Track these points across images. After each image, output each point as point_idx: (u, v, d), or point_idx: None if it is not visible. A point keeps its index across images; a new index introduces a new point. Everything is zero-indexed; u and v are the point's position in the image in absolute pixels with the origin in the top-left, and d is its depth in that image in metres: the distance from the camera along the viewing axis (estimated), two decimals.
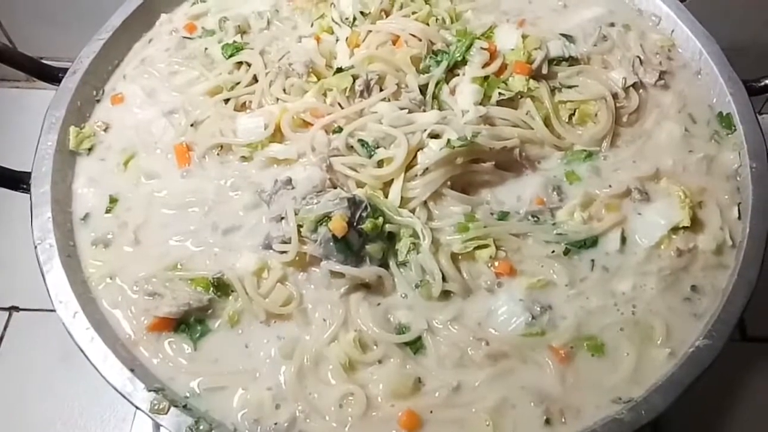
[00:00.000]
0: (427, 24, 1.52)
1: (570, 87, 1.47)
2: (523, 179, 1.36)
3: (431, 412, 1.12)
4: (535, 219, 1.31)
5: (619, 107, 1.45)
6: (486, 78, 1.42)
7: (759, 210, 1.30)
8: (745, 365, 1.79)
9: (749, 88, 1.45)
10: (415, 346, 1.18)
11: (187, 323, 1.20)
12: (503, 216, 1.31)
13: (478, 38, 1.48)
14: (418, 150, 1.30)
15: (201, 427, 1.08)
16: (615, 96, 1.45)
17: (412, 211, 1.28)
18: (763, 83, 1.48)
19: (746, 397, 1.76)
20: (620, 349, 1.18)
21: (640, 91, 1.49)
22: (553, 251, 1.26)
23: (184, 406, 1.11)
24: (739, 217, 1.33)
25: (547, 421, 1.11)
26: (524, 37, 1.49)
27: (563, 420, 1.11)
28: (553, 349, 1.17)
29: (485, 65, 1.44)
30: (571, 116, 1.44)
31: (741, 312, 1.20)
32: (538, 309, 1.21)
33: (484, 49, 1.45)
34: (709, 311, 1.22)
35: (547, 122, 1.41)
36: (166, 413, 1.09)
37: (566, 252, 1.27)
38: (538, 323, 1.19)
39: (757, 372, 1.79)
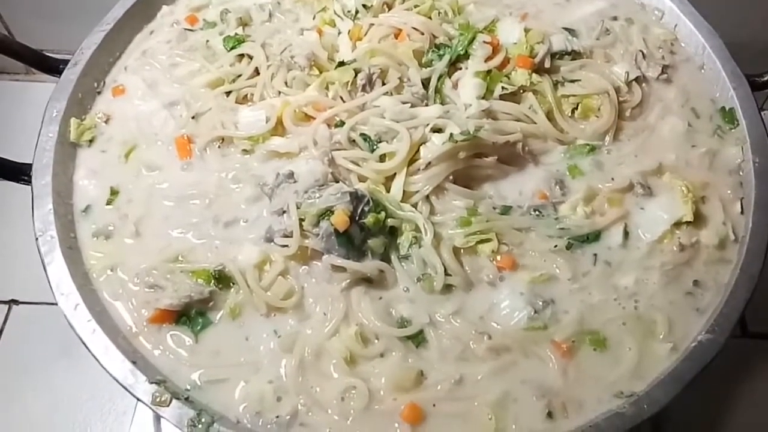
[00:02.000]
0: (430, 17, 1.51)
1: (573, 81, 1.46)
2: (525, 173, 1.36)
3: (434, 405, 1.12)
4: (538, 213, 1.30)
5: (622, 101, 1.44)
6: (488, 72, 1.42)
7: (762, 205, 1.30)
8: (745, 361, 1.79)
9: (752, 83, 1.45)
10: (417, 339, 1.17)
11: (188, 315, 1.20)
12: (506, 210, 1.31)
13: (481, 32, 1.48)
14: (421, 144, 1.30)
15: (203, 420, 1.08)
16: (618, 90, 1.44)
17: (414, 205, 1.27)
18: (766, 78, 1.47)
19: (747, 393, 1.76)
20: (622, 344, 1.18)
21: (643, 85, 1.48)
22: (555, 246, 1.26)
23: (186, 399, 1.11)
24: (742, 212, 1.32)
25: (549, 415, 1.11)
26: (527, 30, 1.49)
27: (565, 414, 1.11)
28: (555, 344, 1.17)
29: (488, 59, 1.44)
30: (573, 110, 1.43)
31: (743, 307, 1.20)
32: (541, 303, 1.20)
33: (487, 42, 1.45)
34: (712, 306, 1.21)
35: (549, 116, 1.40)
36: (168, 405, 1.09)
37: (569, 246, 1.26)
38: (540, 317, 1.19)
39: (758, 368, 1.79)
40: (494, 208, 1.31)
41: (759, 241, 1.26)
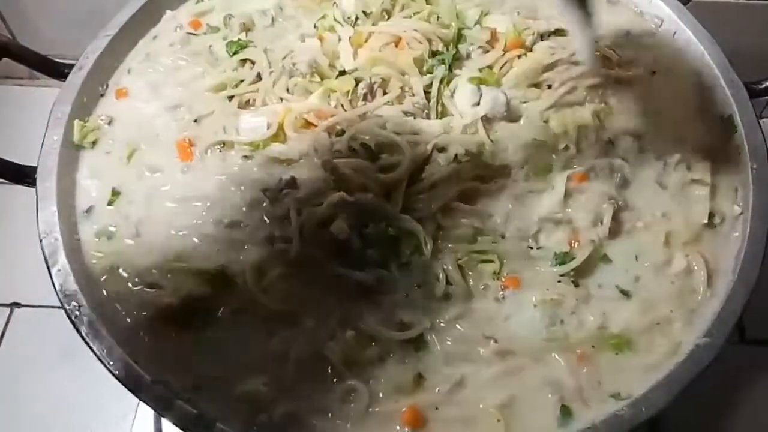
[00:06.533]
0: (428, 23, 1.50)
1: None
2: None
3: (436, 408, 1.12)
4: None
5: None
6: (483, 72, 1.42)
7: (759, 210, 1.30)
8: (743, 367, 1.80)
9: (750, 90, 1.45)
10: (417, 342, 1.18)
11: (188, 315, 1.20)
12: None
13: (469, 29, 1.49)
14: (425, 164, 1.30)
15: (205, 421, 1.08)
16: None
17: (419, 221, 1.26)
18: (764, 85, 1.48)
19: (744, 399, 1.77)
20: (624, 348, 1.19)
21: None
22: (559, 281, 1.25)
23: (188, 399, 1.11)
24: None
25: (562, 417, 1.12)
26: (515, 24, 1.51)
27: (576, 415, 1.12)
28: (560, 350, 1.17)
29: (486, 52, 1.45)
30: None
31: (740, 312, 1.20)
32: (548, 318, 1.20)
33: (485, 29, 1.47)
34: (710, 311, 1.22)
35: None
36: (170, 407, 1.09)
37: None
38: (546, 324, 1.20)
39: (756, 374, 1.79)
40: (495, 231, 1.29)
41: (756, 247, 1.26)
